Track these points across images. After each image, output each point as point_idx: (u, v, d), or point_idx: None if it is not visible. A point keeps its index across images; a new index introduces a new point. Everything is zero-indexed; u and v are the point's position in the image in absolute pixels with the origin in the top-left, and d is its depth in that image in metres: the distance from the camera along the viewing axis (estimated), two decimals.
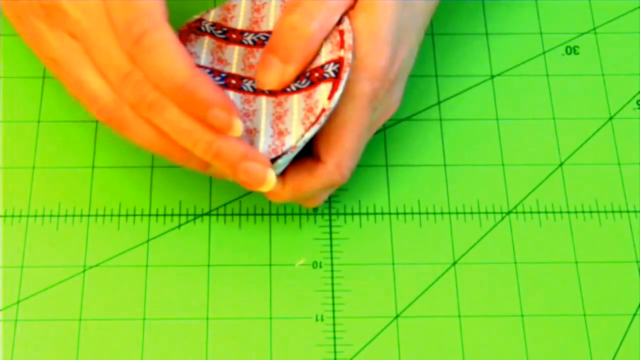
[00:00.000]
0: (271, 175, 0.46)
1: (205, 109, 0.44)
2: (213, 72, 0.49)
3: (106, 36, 0.45)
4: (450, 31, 0.61)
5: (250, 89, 0.49)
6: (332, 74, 0.47)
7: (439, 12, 0.62)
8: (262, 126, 0.47)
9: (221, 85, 0.48)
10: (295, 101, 0.48)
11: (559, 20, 0.61)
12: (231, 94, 0.48)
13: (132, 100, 0.45)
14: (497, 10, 0.62)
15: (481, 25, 0.61)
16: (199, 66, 0.48)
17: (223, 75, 0.49)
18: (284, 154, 0.47)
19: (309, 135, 0.47)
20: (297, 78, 0.48)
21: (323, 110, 0.47)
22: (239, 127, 0.45)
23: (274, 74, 0.48)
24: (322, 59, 0.48)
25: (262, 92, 0.48)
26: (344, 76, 0.47)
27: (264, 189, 0.46)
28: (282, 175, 0.49)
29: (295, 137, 0.47)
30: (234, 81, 0.49)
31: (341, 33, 0.48)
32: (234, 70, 0.49)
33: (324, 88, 0.47)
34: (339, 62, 0.47)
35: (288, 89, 0.48)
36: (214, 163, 0.46)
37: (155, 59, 0.44)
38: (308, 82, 0.48)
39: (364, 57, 0.47)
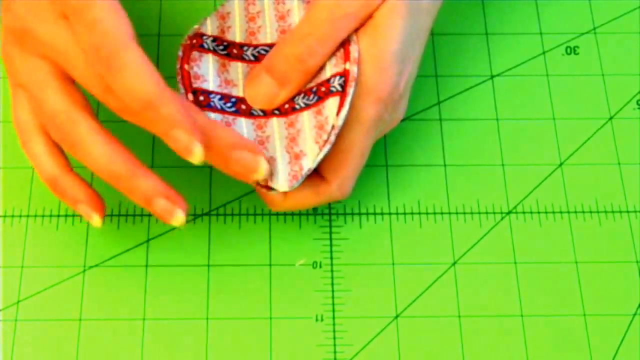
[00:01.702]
0: (263, 163, 0.46)
1: (168, 128, 0.43)
2: (224, 97, 0.49)
3: (77, 59, 0.46)
4: (450, 31, 0.61)
5: (261, 112, 0.49)
6: (339, 88, 0.47)
7: (439, 12, 0.62)
8: (277, 153, 0.47)
9: (232, 112, 0.48)
10: (306, 119, 0.48)
11: (559, 20, 0.61)
12: (243, 121, 0.48)
13: (116, 107, 0.46)
14: (497, 10, 0.62)
15: (481, 25, 0.61)
16: (211, 92, 0.49)
17: (233, 100, 0.49)
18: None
19: (321, 155, 0.47)
20: (305, 94, 0.48)
21: (333, 127, 0.47)
22: (199, 152, 0.44)
23: (266, 94, 0.48)
24: (327, 72, 0.48)
25: (272, 113, 0.48)
26: (350, 91, 0.47)
27: (257, 175, 0.46)
28: None
29: (312, 158, 0.47)
30: (244, 106, 0.49)
31: (346, 45, 0.48)
32: (241, 92, 0.49)
33: (332, 103, 0.47)
34: (344, 75, 0.47)
35: (297, 106, 0.48)
36: (207, 157, 0.46)
37: (124, 79, 0.44)
38: (316, 98, 0.48)
39: (368, 81, 0.47)
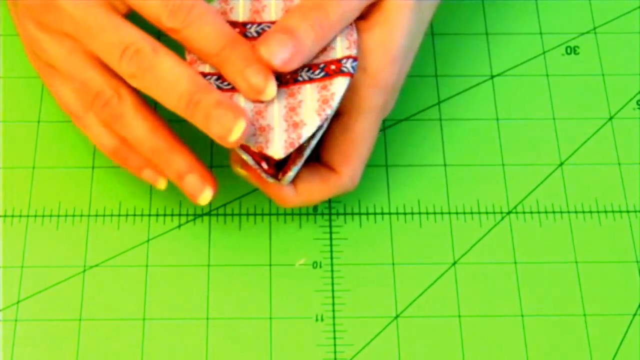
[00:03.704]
0: (240, 125, 0.45)
1: (245, 67, 0.46)
2: (220, 77, 0.48)
3: (97, 17, 0.46)
4: (450, 31, 0.61)
5: None
6: (351, 70, 0.47)
7: (439, 12, 0.62)
8: (275, 121, 0.47)
9: (230, 89, 0.48)
10: (309, 92, 0.47)
11: (559, 20, 0.61)
12: (241, 95, 0.48)
13: (132, 71, 0.46)
14: (497, 10, 0.62)
15: (481, 25, 0.61)
16: (207, 74, 0.48)
17: None
18: (297, 158, 0.47)
19: (321, 131, 0.47)
20: (309, 68, 0.48)
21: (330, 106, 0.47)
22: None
23: (284, 55, 0.46)
24: (338, 53, 0.48)
25: None
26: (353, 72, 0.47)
27: (232, 137, 0.45)
28: (293, 182, 0.49)
29: (312, 129, 0.46)
30: None
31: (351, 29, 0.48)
32: None
33: (341, 82, 0.47)
34: (357, 59, 0.47)
35: (300, 78, 0.48)
36: (193, 116, 0.46)
37: (202, 25, 0.46)
38: (322, 73, 0.48)
39: (378, 73, 0.48)
